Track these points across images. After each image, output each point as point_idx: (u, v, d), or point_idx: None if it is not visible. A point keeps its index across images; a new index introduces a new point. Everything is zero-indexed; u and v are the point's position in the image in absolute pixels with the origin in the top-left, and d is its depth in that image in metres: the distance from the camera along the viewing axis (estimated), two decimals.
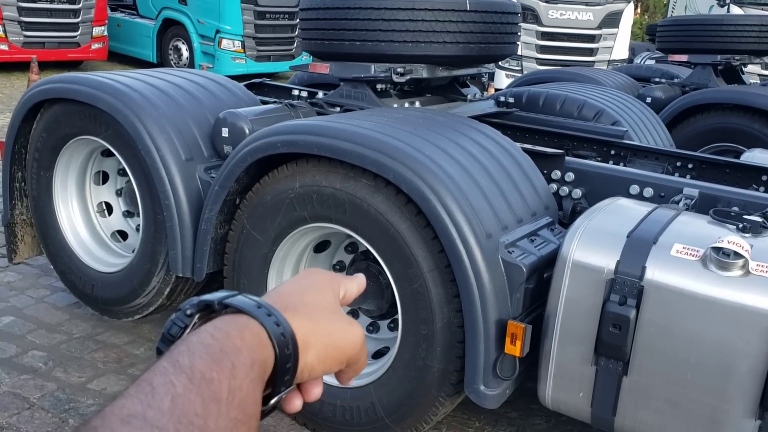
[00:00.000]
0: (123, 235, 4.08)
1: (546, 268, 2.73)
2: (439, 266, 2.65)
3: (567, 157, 3.32)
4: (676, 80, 6.90)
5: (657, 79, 6.91)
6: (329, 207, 2.85)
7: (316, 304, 0.77)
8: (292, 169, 2.95)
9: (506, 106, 4.43)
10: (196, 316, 0.69)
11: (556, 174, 3.32)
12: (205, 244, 3.22)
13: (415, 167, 2.59)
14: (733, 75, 7.04)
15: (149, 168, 3.32)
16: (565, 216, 3.21)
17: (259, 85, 5.19)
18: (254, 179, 3.12)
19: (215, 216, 3.17)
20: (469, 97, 4.31)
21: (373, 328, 3.26)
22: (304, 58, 11.56)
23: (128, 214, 4.02)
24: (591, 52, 12.20)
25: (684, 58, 6.78)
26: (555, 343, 2.52)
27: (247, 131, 3.36)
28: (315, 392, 0.76)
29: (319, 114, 3.73)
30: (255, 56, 13.40)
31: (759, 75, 10.23)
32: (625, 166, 3.94)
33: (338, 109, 3.84)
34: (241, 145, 3.05)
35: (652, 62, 9.27)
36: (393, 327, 3.21)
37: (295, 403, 0.75)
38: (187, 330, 0.68)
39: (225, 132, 3.38)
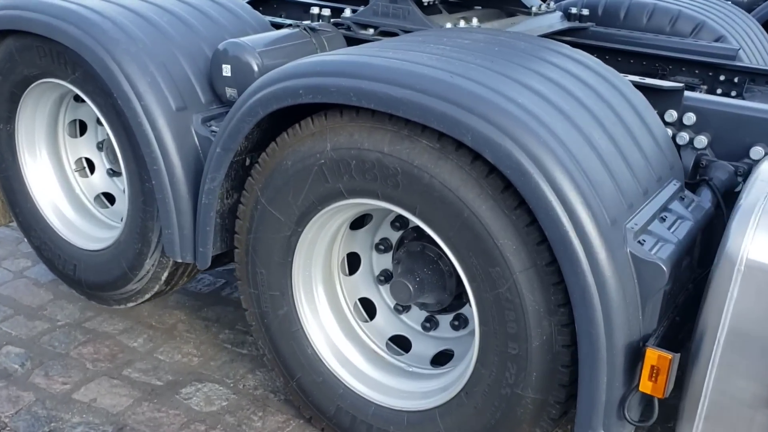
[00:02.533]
0: (111, 198, 3.30)
1: (684, 257, 1.94)
2: (536, 264, 1.87)
3: (686, 92, 2.45)
4: None
5: None
6: (374, 178, 2.04)
7: None
8: (320, 125, 2.13)
9: (579, 20, 3.51)
10: None
11: (671, 115, 2.46)
12: (209, 222, 2.44)
13: (505, 124, 1.77)
14: None
15: (129, 122, 2.51)
16: (686, 174, 2.38)
17: (266, 0, 4.28)
18: (268, 135, 2.30)
19: (219, 186, 2.38)
20: (533, 9, 3.40)
21: (429, 324, 2.51)
22: None
23: (114, 173, 3.23)
24: None
25: None
26: (711, 373, 1.75)
27: (255, 68, 2.52)
28: None
29: (348, 40, 2.87)
30: None
31: None
32: (741, 96, 3.07)
33: (371, 31, 2.96)
34: (248, 92, 2.22)
35: None
36: (458, 325, 2.45)
37: None
38: None
39: (226, 70, 2.54)
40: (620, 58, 3.35)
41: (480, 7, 3.39)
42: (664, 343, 1.84)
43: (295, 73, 2.07)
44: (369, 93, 1.91)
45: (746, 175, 2.33)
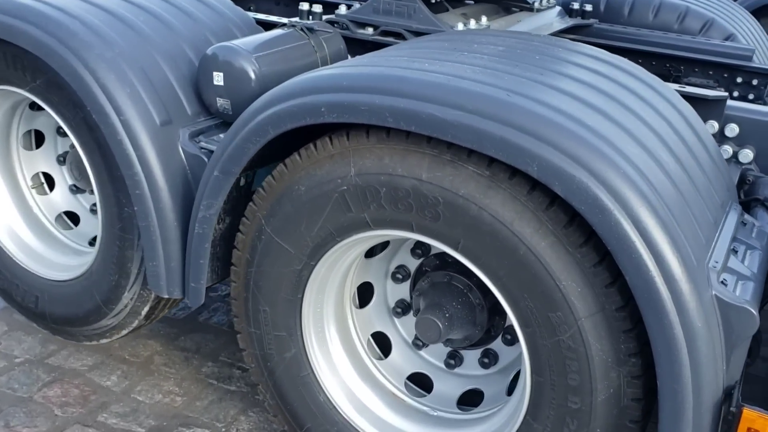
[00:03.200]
0: (75, 218, 2.92)
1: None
2: (605, 309, 1.63)
3: (729, 102, 2.25)
4: None
5: None
6: (408, 208, 1.76)
7: None
8: (341, 146, 1.84)
9: (581, 16, 3.29)
10: None
11: (713, 126, 2.26)
12: (203, 254, 2.12)
13: (577, 152, 1.51)
14: None
15: (106, 139, 2.16)
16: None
17: None
18: (269, 151, 2.00)
19: (216, 214, 2.06)
20: (535, 4, 3.17)
21: (454, 361, 2.25)
22: None
23: (77, 189, 2.86)
24: None
25: None
26: None
27: (251, 75, 2.21)
28: None
29: (345, 40, 2.57)
30: None
31: None
32: (762, 100, 2.91)
33: (371, 30, 2.67)
34: (255, 107, 1.91)
35: None
36: (488, 362, 2.20)
37: None
38: None
39: (218, 78, 2.22)
40: (629, 59, 3.14)
41: (473, 2, 3.14)
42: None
43: (315, 87, 1.77)
44: (409, 113, 1.63)
45: None
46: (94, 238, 2.59)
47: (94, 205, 2.64)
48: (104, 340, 2.67)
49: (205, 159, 2.17)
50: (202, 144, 2.22)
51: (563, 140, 1.52)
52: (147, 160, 2.13)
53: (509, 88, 1.62)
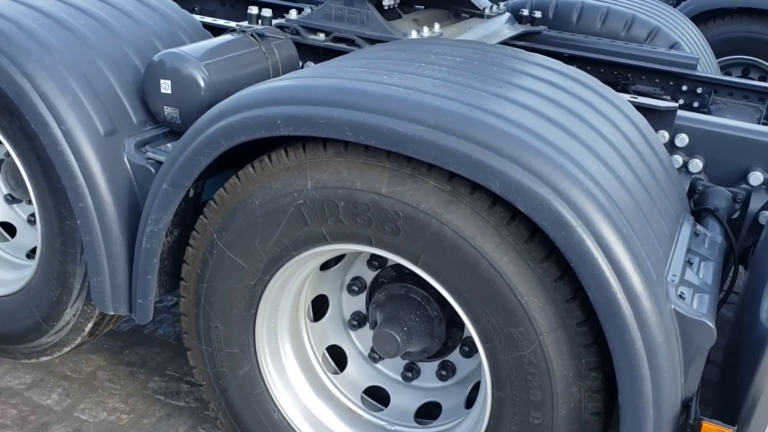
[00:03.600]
0: (10, 228, 2.78)
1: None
2: (566, 324, 1.62)
3: (679, 112, 2.29)
4: None
5: None
6: (367, 223, 1.72)
7: None
8: (297, 158, 1.78)
9: (531, 23, 3.31)
10: None
11: (664, 136, 2.29)
12: (151, 270, 2.04)
13: (539, 168, 1.50)
14: None
15: (46, 150, 2.05)
16: None
17: None
18: (219, 162, 1.93)
19: (165, 228, 1.98)
20: (486, 11, 3.16)
21: (411, 374, 2.22)
22: None
23: (13, 199, 2.72)
24: None
25: None
26: None
27: (201, 83, 2.13)
28: None
29: (296, 45, 2.51)
30: None
31: None
32: (707, 108, 2.97)
33: (323, 36, 2.62)
34: (206, 118, 1.83)
35: None
36: (445, 374, 2.18)
37: None
38: None
39: (165, 86, 2.13)
40: (576, 65, 3.16)
41: (424, 7, 3.11)
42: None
43: (271, 99, 1.71)
44: (369, 128, 1.59)
45: (745, 202, 2.20)
46: (33, 250, 2.47)
47: (32, 215, 2.52)
48: (44, 358, 2.55)
49: (153, 170, 2.08)
50: (149, 154, 2.14)
51: (526, 156, 1.50)
52: (90, 172, 2.04)
53: (470, 103, 1.60)
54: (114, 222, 2.07)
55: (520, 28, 3.22)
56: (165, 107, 2.16)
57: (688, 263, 1.77)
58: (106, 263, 2.10)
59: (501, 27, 3.14)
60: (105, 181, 2.06)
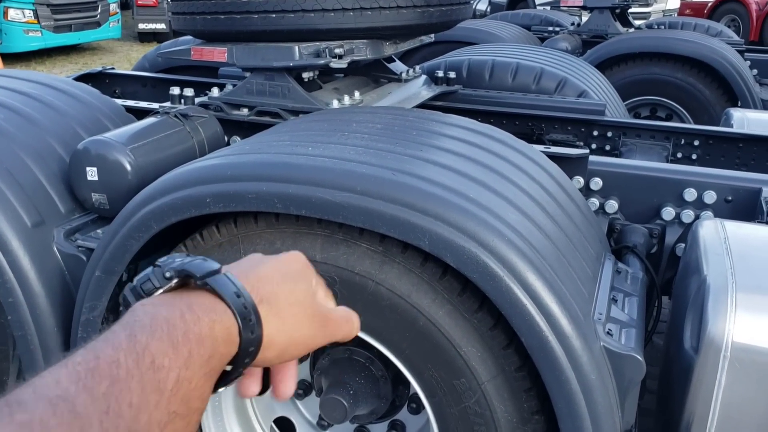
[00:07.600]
0: None
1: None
2: (505, 370, 1.68)
3: (591, 157, 2.42)
4: (571, 27, 6.27)
5: (552, 29, 6.22)
6: None
7: (290, 299, 0.73)
8: (229, 233, 1.81)
9: (447, 83, 3.45)
10: (174, 281, 0.66)
11: (578, 182, 2.42)
12: None
13: (464, 224, 1.57)
14: (623, 19, 6.52)
15: None
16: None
17: (98, 77, 3.85)
18: (154, 243, 1.94)
19: (101, 315, 1.96)
20: (403, 75, 3.29)
21: None
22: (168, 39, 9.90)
23: None
24: None
25: (579, 2, 6.13)
26: None
27: (127, 167, 2.15)
28: (286, 388, 0.79)
29: (220, 122, 2.56)
30: (53, 26, 11.63)
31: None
32: (618, 150, 3.14)
33: (246, 111, 2.68)
34: (135, 203, 1.85)
35: (542, 8, 8.60)
36: (394, 430, 2.19)
37: (251, 389, 0.77)
38: (159, 291, 0.65)
39: (91, 173, 2.14)
40: (493, 120, 3.32)
41: (343, 75, 3.22)
42: None
43: (199, 179, 1.75)
44: (299, 198, 1.64)
45: (661, 236, 2.33)
46: None
47: None
48: None
49: (84, 258, 2.07)
50: (79, 242, 2.13)
51: (450, 214, 1.57)
52: (19, 266, 2.01)
53: (393, 167, 1.67)
54: (47, 314, 2.04)
55: (436, 89, 3.36)
56: (93, 194, 2.16)
57: (613, 300, 1.86)
58: (41, 358, 2.05)
59: (419, 89, 3.27)
60: (35, 274, 2.03)
